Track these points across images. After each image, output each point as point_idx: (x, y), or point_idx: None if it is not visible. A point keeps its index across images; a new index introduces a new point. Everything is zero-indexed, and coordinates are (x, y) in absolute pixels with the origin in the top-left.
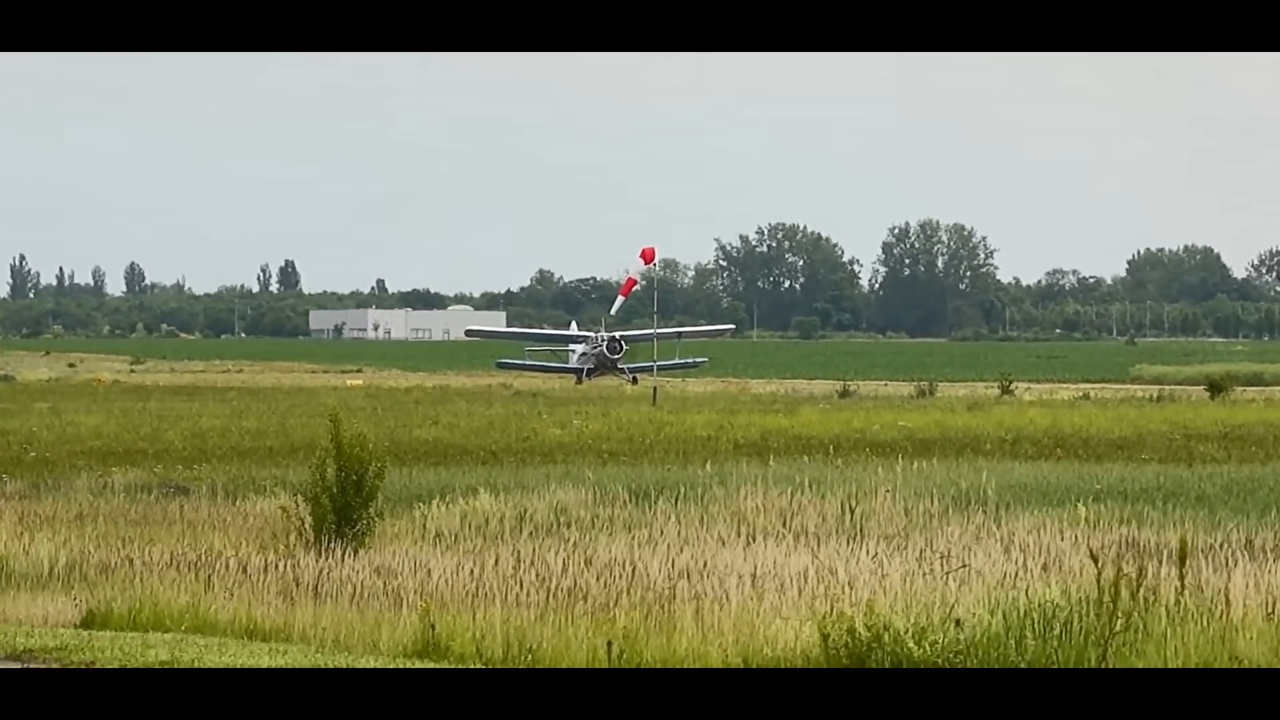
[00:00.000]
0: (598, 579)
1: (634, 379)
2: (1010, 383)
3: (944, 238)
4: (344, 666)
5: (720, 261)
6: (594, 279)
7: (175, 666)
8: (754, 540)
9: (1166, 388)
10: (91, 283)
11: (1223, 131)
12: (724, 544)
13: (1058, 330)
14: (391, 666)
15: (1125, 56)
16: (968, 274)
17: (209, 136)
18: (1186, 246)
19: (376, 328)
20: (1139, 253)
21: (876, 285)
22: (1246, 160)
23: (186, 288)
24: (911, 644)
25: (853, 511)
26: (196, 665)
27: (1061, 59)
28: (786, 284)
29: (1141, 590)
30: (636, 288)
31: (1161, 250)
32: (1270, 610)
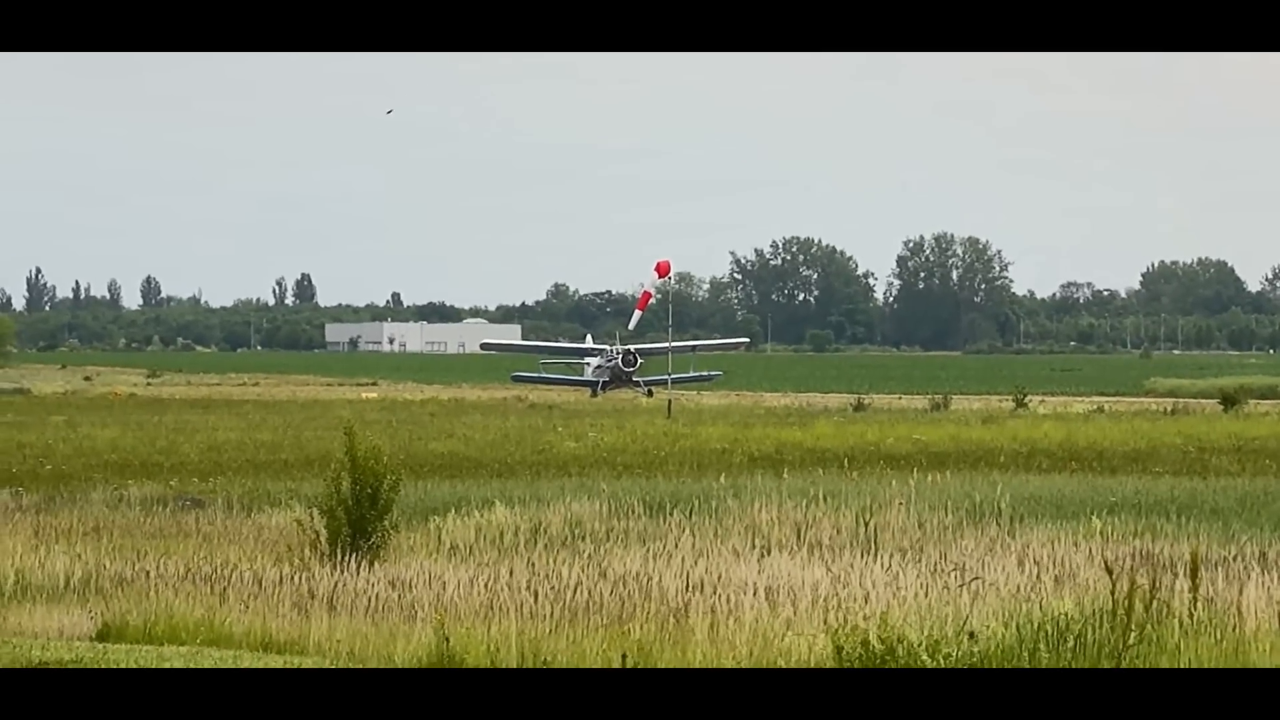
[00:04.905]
0: (612, 592)
1: (649, 391)
2: (1024, 396)
3: (959, 251)
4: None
5: (735, 275)
6: (609, 293)
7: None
8: (768, 553)
9: (1180, 401)
10: (107, 296)
11: (1238, 143)
12: (738, 556)
13: (1072, 343)
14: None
15: (1138, 69)
16: (982, 287)
17: (224, 149)
18: (1201, 259)
19: (392, 341)
20: (1153, 266)
21: (891, 299)
22: (1262, 173)
23: (203, 301)
24: (925, 657)
25: (867, 524)
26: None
27: (1073, 75)
28: (801, 297)
29: (1155, 603)
30: (652, 301)
31: (1176, 263)
32: None
